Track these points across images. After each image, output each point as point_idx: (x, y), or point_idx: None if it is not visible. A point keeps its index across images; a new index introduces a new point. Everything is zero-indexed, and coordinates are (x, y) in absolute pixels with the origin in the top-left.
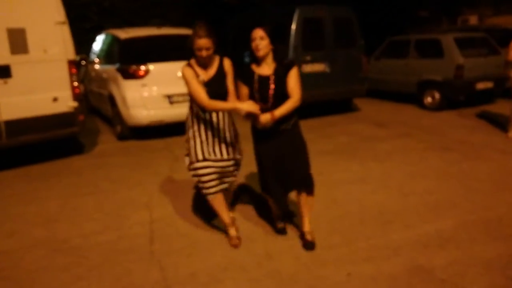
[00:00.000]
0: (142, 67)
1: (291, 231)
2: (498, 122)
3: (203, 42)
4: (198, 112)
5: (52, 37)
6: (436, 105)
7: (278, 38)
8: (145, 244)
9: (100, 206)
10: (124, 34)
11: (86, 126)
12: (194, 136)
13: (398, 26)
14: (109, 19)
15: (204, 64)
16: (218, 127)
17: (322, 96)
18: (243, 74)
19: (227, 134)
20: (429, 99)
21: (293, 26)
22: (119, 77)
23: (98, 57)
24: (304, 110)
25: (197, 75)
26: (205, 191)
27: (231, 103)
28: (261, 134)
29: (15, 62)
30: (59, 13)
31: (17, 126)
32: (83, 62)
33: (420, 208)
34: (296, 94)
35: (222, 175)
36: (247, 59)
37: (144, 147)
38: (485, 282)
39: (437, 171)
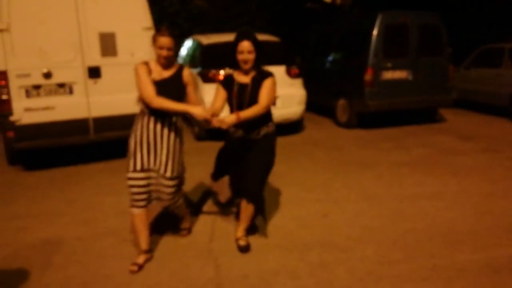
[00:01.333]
0: (221, 72)
1: (348, 246)
2: None
3: (166, 41)
4: (144, 113)
5: (139, 42)
6: None
7: (358, 44)
8: (204, 241)
9: None
10: (206, 39)
11: None
12: (135, 141)
13: (490, 33)
14: (198, 26)
15: (163, 64)
16: (162, 134)
17: (403, 104)
18: (224, 79)
19: (171, 145)
20: None
21: (375, 32)
22: (199, 80)
23: (183, 61)
24: (382, 119)
25: (150, 73)
26: (132, 202)
27: (183, 104)
28: (232, 138)
29: (105, 64)
30: (146, 20)
31: (104, 123)
32: None
33: (495, 230)
34: (263, 101)
35: (155, 190)
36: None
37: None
38: None
39: None
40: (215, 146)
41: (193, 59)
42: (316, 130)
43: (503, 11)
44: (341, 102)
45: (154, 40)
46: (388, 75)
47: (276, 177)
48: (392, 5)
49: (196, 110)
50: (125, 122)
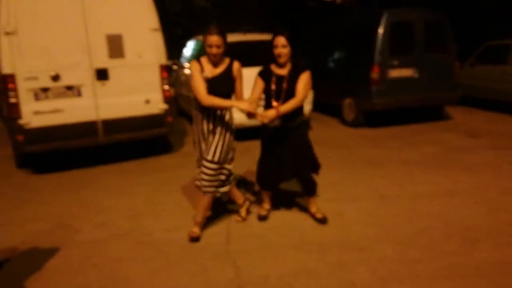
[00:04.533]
0: None
1: (366, 245)
2: None
3: (214, 39)
4: (197, 108)
5: (146, 43)
6: None
7: (363, 42)
8: (221, 243)
9: (182, 203)
10: None
11: (174, 127)
12: (194, 133)
13: (495, 30)
14: (200, 25)
15: (214, 62)
16: (214, 128)
17: (410, 102)
18: (263, 71)
19: (223, 137)
20: None
21: (380, 30)
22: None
23: (188, 62)
24: (389, 117)
25: (202, 71)
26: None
27: (229, 101)
28: (270, 131)
29: (113, 65)
30: (153, 21)
31: (113, 125)
32: (174, 67)
33: (511, 228)
34: (300, 94)
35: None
36: None
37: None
38: None
39: None
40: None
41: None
42: (323, 130)
43: (508, 8)
44: (348, 101)
45: (204, 39)
46: (395, 73)
47: None
48: (395, 3)
49: (242, 106)
50: (133, 124)
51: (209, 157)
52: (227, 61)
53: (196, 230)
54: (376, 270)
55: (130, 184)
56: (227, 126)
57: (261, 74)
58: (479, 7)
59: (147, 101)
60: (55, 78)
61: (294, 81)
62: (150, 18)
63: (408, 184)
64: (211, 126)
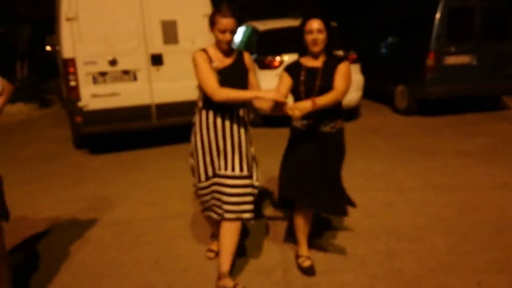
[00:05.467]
0: (277, 58)
1: (416, 235)
2: None
3: (229, 23)
4: (205, 108)
5: (199, 29)
6: None
7: (420, 28)
8: (269, 224)
9: None
10: (262, 26)
11: None
12: (196, 144)
13: None
14: (249, 11)
15: (225, 51)
16: (232, 131)
17: (466, 90)
18: (290, 66)
19: (243, 144)
20: None
21: (438, 16)
22: (256, 67)
23: (238, 48)
24: (443, 105)
25: (211, 61)
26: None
27: (251, 91)
28: (299, 133)
29: (167, 51)
30: (206, 7)
31: (166, 109)
32: None
33: None
34: (340, 86)
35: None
36: None
37: (274, 134)
38: None
39: None
40: (270, 133)
41: (248, 46)
42: (373, 117)
43: None
44: (400, 88)
45: (214, 22)
46: (451, 60)
47: None
48: None
49: (268, 94)
50: (186, 108)
51: (236, 171)
52: (235, 51)
53: (228, 283)
54: (425, 260)
55: (181, 166)
56: (245, 126)
57: (287, 69)
58: None
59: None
60: (113, 62)
61: (330, 75)
62: (203, 4)
63: (461, 175)
64: (227, 131)
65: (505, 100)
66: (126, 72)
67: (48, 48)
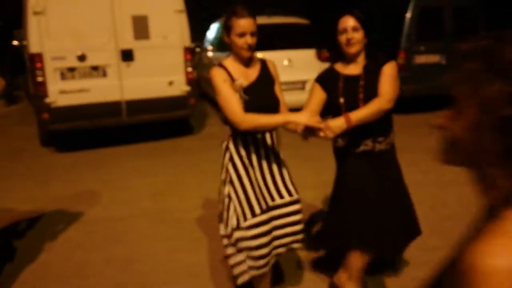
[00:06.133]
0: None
1: None
2: None
3: (248, 23)
4: (235, 138)
5: (171, 25)
6: None
7: (390, 27)
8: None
9: (202, 184)
10: None
11: (196, 109)
12: (232, 181)
13: None
14: (224, 8)
15: (246, 59)
16: (268, 158)
17: (436, 89)
18: (323, 75)
19: (282, 168)
20: None
21: (408, 15)
22: None
23: (211, 44)
24: (411, 104)
25: (232, 79)
26: (253, 271)
27: (281, 115)
28: (345, 156)
29: (138, 47)
30: (178, 2)
31: (136, 105)
32: (198, 49)
33: None
34: (386, 92)
35: (277, 233)
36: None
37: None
38: None
39: None
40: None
41: (221, 43)
42: None
43: None
44: None
45: (230, 27)
46: (421, 59)
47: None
48: None
49: (301, 119)
50: (156, 105)
51: (286, 197)
52: (256, 58)
53: None
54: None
55: (152, 164)
56: (278, 154)
57: (319, 80)
58: None
59: (171, 83)
60: (81, 58)
61: (374, 81)
62: (175, 0)
63: (433, 171)
64: (259, 160)
65: None
66: (95, 68)
67: (15, 42)
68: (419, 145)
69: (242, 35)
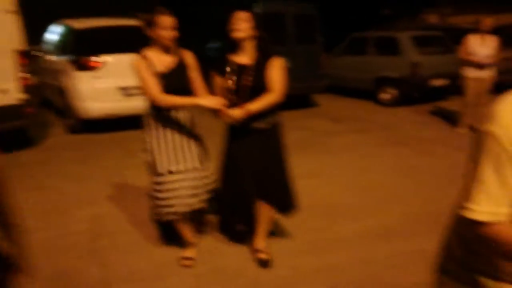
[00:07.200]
0: (95, 59)
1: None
2: (450, 118)
3: (169, 20)
4: (158, 110)
5: (1, 26)
6: (392, 102)
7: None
8: (87, 241)
9: (44, 202)
10: (78, 24)
11: (37, 119)
12: (152, 142)
13: (362, 24)
14: (66, 9)
15: (167, 49)
16: (183, 129)
17: None
18: (218, 63)
19: (193, 139)
20: (385, 95)
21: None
22: (71, 68)
23: (51, 47)
24: None
25: (152, 65)
26: (166, 216)
27: (190, 98)
28: (234, 133)
29: None
30: (7, 1)
31: None
32: (36, 53)
33: (369, 202)
34: (277, 88)
35: (192, 191)
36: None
37: (95, 141)
38: (422, 273)
39: (388, 166)
40: (91, 139)
41: (63, 45)
42: None
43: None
44: None
45: (154, 22)
46: None
47: None
48: None
49: (206, 102)
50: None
51: (194, 164)
52: (178, 50)
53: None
54: (243, 253)
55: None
56: (190, 129)
57: (216, 68)
58: (349, 3)
59: (2, 91)
60: None
61: (262, 72)
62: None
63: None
64: (172, 132)
65: (315, 98)
66: None
67: None
68: None
69: (165, 28)
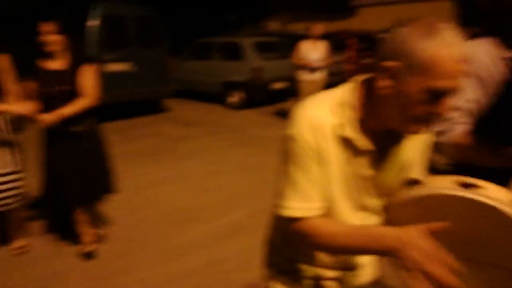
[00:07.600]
0: None
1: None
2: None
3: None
4: None
5: None
6: (240, 105)
7: (74, 34)
8: None
9: None
10: None
11: None
12: None
13: (207, 28)
14: None
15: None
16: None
17: (126, 96)
18: (30, 69)
19: (4, 146)
20: (233, 99)
21: (95, 23)
22: None
23: None
24: (107, 112)
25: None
26: None
27: (0, 104)
28: (51, 137)
29: None
30: None
31: None
32: None
33: (219, 202)
34: (90, 93)
35: None
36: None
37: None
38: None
39: (236, 166)
40: None
41: None
42: None
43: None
44: None
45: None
46: (110, 67)
47: None
48: None
49: (18, 108)
50: None
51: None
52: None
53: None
54: (90, 272)
55: None
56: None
57: (28, 73)
58: (192, 7)
59: None
60: None
61: (75, 77)
62: None
63: (129, 177)
64: None
65: (166, 103)
66: None
67: None
68: (114, 152)
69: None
